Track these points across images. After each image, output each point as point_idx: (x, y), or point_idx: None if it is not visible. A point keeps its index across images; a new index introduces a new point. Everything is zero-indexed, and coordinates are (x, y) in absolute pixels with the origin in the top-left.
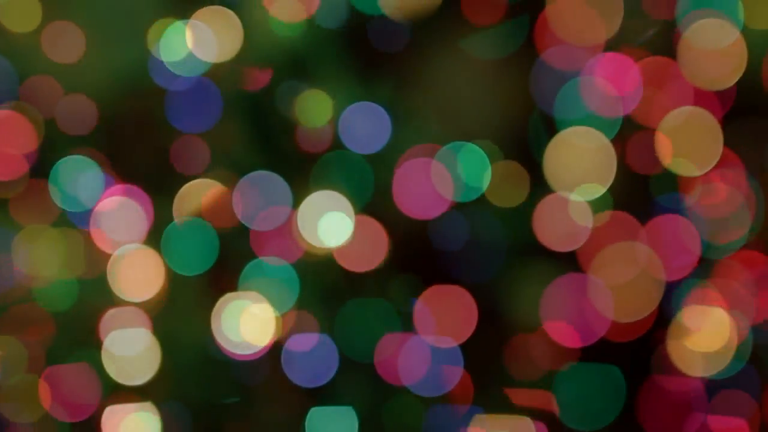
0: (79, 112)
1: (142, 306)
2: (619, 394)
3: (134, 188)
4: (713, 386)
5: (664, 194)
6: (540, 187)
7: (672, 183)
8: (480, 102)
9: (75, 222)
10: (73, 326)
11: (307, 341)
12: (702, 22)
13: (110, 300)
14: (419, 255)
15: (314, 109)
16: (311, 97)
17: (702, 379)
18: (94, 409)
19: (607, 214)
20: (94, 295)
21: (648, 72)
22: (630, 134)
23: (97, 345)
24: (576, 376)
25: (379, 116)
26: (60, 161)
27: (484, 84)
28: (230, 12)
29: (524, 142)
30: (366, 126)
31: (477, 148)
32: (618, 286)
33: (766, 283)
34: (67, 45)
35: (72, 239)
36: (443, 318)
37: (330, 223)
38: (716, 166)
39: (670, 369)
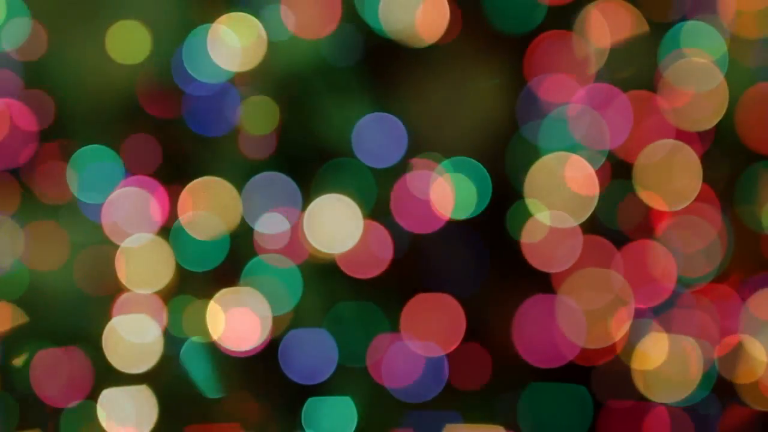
0: (98, 103)
1: (149, 297)
2: (585, 415)
3: (148, 180)
4: (676, 413)
5: (640, 223)
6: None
7: (647, 214)
8: (466, 122)
9: (86, 211)
10: (77, 311)
11: (305, 338)
12: (684, 63)
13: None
14: (413, 265)
15: (259, 116)
16: (256, 104)
17: (665, 405)
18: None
19: (582, 238)
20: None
21: (632, 105)
22: (612, 164)
23: (99, 331)
24: (543, 394)
25: (395, 128)
26: (79, 150)
27: (472, 106)
28: (254, 19)
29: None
30: (381, 138)
31: (479, 165)
32: (589, 311)
33: (732, 316)
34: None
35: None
36: (431, 326)
37: (336, 228)
38: (693, 201)
39: (634, 394)
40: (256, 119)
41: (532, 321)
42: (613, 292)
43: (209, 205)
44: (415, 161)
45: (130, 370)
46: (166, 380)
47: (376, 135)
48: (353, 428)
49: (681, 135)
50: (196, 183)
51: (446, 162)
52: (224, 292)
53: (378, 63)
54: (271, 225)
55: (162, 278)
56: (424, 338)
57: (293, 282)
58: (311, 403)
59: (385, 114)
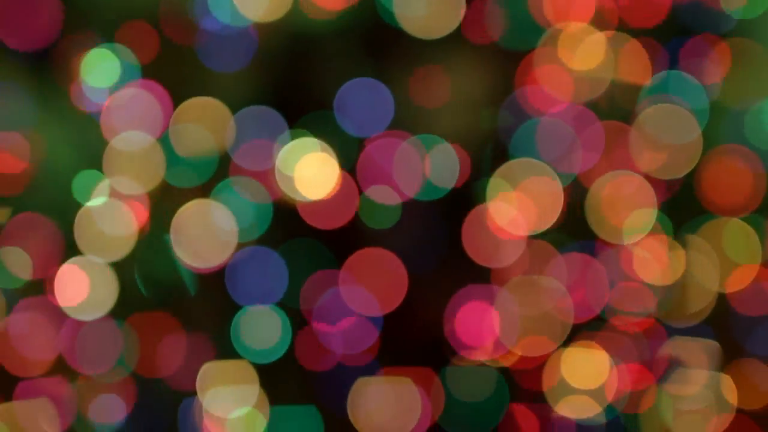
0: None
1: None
2: (502, 400)
3: (153, 84)
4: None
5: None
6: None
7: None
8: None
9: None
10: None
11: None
12: (664, 108)
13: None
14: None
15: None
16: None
17: (574, 420)
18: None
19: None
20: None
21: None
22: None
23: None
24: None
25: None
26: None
27: (461, 99)
28: None
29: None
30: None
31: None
32: (524, 316)
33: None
34: None
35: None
36: (372, 281)
37: (309, 175)
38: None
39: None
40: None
41: (467, 309)
42: (552, 302)
43: (203, 123)
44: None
45: (97, 255)
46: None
47: (362, 100)
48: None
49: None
50: (194, 100)
51: (420, 137)
52: (195, 204)
53: (384, 44)
54: (253, 156)
55: (146, 181)
56: (364, 291)
57: (262, 213)
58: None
59: (377, 82)
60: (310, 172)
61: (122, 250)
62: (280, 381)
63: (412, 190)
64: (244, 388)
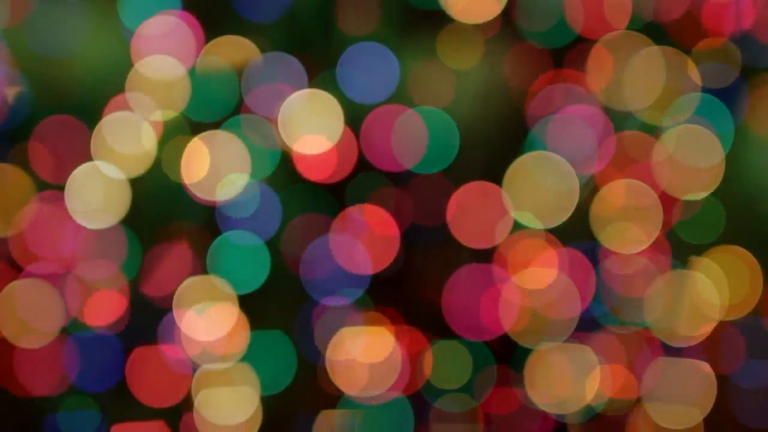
0: None
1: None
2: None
3: (189, 16)
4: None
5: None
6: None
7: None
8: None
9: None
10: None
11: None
12: (689, 130)
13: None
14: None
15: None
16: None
17: (553, 416)
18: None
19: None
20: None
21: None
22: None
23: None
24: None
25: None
26: None
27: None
28: None
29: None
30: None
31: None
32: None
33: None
34: None
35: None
36: (364, 237)
37: (315, 126)
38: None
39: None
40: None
41: (467, 287)
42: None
43: (230, 61)
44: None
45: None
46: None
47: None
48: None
49: (664, 197)
50: (226, 38)
51: (420, 109)
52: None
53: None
54: (265, 102)
55: (166, 109)
56: (354, 245)
57: (268, 156)
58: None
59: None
60: (314, 125)
61: (137, 167)
62: (261, 312)
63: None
64: (223, 309)
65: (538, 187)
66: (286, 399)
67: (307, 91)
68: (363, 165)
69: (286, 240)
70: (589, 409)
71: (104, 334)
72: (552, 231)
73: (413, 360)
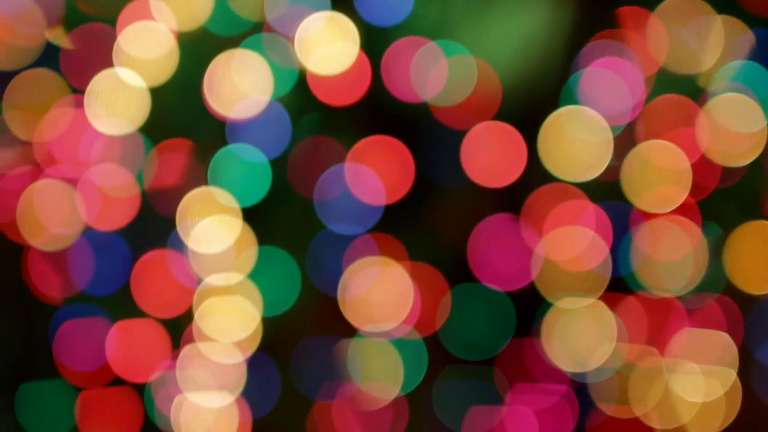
0: None
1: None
2: (508, 325)
3: None
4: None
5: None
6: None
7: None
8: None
9: None
10: None
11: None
12: (730, 99)
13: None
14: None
15: None
16: None
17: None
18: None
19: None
20: None
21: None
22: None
23: None
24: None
25: None
26: None
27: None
28: None
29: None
30: None
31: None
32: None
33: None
34: None
35: None
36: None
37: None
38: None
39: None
40: None
41: (493, 235)
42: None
43: None
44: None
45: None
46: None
47: None
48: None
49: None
50: None
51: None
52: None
53: None
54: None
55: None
56: (368, 174)
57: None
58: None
59: None
60: (329, 47)
61: (157, 76)
62: (267, 232)
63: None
64: (227, 222)
65: (572, 139)
66: (289, 322)
67: (325, 13)
68: (381, 93)
69: (297, 161)
70: (604, 370)
71: (113, 239)
72: (584, 187)
73: (429, 300)
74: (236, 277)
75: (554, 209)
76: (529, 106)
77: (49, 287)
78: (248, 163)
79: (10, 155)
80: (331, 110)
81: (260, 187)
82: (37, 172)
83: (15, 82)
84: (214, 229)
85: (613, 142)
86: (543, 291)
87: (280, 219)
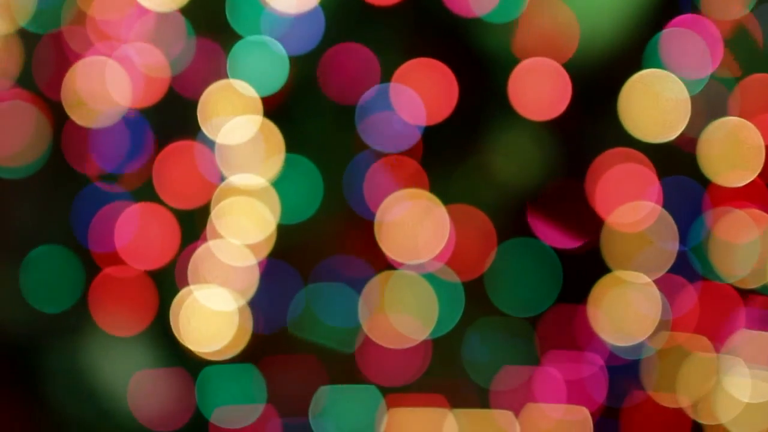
0: None
1: None
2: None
3: None
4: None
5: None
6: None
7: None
8: None
9: None
10: None
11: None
12: None
13: None
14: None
15: None
16: None
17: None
18: None
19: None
20: None
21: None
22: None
23: None
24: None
25: None
26: None
27: None
28: None
29: None
30: None
31: None
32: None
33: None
34: None
35: None
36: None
37: None
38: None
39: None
40: None
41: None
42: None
43: None
44: None
45: None
46: None
47: None
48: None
49: None
50: None
51: None
52: None
53: None
54: None
55: None
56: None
57: None
58: None
59: None
60: None
61: None
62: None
63: None
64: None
65: (655, 98)
66: (309, 234)
67: None
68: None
69: (329, 64)
70: (647, 348)
71: (139, 120)
72: (657, 159)
73: (472, 243)
74: (258, 180)
75: (623, 175)
76: (608, 64)
77: (81, 163)
78: (267, 55)
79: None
80: (372, 10)
81: (279, 78)
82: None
83: None
84: (238, 124)
85: (690, 105)
86: (603, 257)
87: (310, 128)
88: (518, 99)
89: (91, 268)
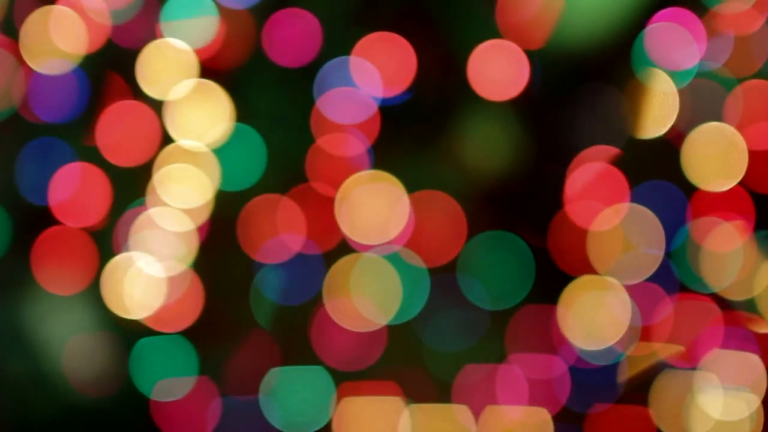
0: None
1: None
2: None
3: None
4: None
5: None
6: None
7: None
8: None
9: None
10: None
11: None
12: None
13: None
14: None
15: None
16: None
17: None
18: None
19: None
20: None
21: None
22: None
23: None
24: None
25: None
26: None
27: None
28: None
29: None
30: None
31: None
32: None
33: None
34: None
35: None
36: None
37: None
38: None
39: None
40: None
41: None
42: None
43: None
44: None
45: None
46: None
47: None
48: None
49: None
50: None
51: None
52: None
53: None
54: None
55: None
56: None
57: None
58: None
59: None
60: None
61: None
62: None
63: None
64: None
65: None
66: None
67: None
68: None
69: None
70: (615, 353)
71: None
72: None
73: (439, 228)
74: (200, 146)
75: (600, 174)
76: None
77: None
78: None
79: None
80: None
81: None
82: None
83: None
84: (175, 81)
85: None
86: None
87: (257, 95)
88: (476, 78)
89: (33, 220)
